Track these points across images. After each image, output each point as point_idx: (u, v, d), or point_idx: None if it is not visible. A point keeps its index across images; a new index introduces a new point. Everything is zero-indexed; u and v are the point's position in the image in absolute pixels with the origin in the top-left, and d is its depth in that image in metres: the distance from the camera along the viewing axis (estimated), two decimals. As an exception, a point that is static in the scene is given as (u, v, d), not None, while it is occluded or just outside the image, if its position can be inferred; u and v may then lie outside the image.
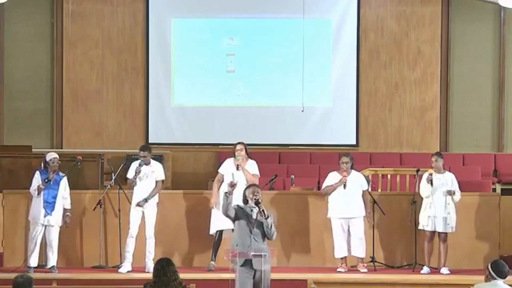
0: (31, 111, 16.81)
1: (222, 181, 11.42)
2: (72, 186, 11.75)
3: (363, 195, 11.52)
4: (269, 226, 8.84)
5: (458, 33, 16.83)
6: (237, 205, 9.11)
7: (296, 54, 16.43)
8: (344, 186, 11.38)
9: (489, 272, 7.14)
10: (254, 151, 16.22)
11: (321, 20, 16.76)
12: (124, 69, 16.93)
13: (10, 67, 16.79)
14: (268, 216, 8.84)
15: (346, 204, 11.38)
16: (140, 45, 16.94)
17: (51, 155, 11.41)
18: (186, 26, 16.98)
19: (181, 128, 16.93)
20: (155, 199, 11.51)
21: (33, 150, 13.84)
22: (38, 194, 11.19)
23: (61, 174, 11.44)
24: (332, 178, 11.55)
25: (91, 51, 16.87)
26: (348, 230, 11.43)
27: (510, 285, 7.29)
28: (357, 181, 11.52)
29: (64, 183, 11.38)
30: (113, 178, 11.94)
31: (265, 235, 8.94)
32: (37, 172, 11.36)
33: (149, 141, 16.58)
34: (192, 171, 16.44)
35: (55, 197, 11.26)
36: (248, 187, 9.25)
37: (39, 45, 16.88)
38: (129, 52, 16.94)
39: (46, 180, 11.18)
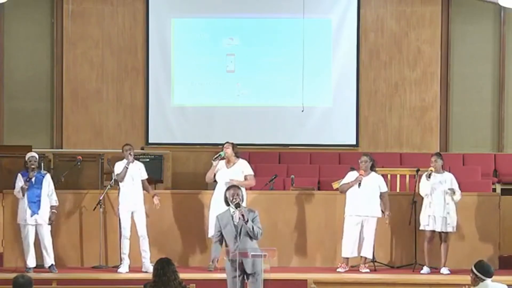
0: (31, 111, 16.79)
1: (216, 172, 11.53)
2: (72, 186, 11.75)
3: (381, 197, 11.56)
4: (251, 229, 8.79)
5: (458, 33, 16.81)
6: (217, 216, 9.08)
7: (296, 54, 16.41)
8: (359, 185, 11.44)
9: (476, 275, 7.09)
10: (254, 151, 16.30)
11: (321, 20, 16.74)
12: (124, 69, 16.91)
13: (10, 67, 16.77)
14: (247, 220, 8.79)
15: (360, 202, 11.46)
16: (140, 45, 16.91)
17: (29, 155, 11.47)
18: (186, 26, 16.96)
19: (181, 128, 16.89)
20: (143, 197, 11.50)
21: (33, 150, 13.80)
22: (23, 195, 11.22)
23: (43, 172, 11.46)
24: (350, 176, 11.65)
25: (91, 51, 16.85)
26: (360, 230, 11.46)
27: (509, 285, 7.28)
28: (375, 182, 11.58)
29: (47, 181, 11.41)
30: (113, 178, 11.93)
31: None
32: (19, 174, 11.38)
33: (149, 141, 16.60)
34: (192, 171, 16.41)
35: (39, 196, 11.29)
36: (228, 188, 9.14)
37: (39, 45, 16.85)
38: (129, 52, 16.91)
39: (28, 180, 11.19)
